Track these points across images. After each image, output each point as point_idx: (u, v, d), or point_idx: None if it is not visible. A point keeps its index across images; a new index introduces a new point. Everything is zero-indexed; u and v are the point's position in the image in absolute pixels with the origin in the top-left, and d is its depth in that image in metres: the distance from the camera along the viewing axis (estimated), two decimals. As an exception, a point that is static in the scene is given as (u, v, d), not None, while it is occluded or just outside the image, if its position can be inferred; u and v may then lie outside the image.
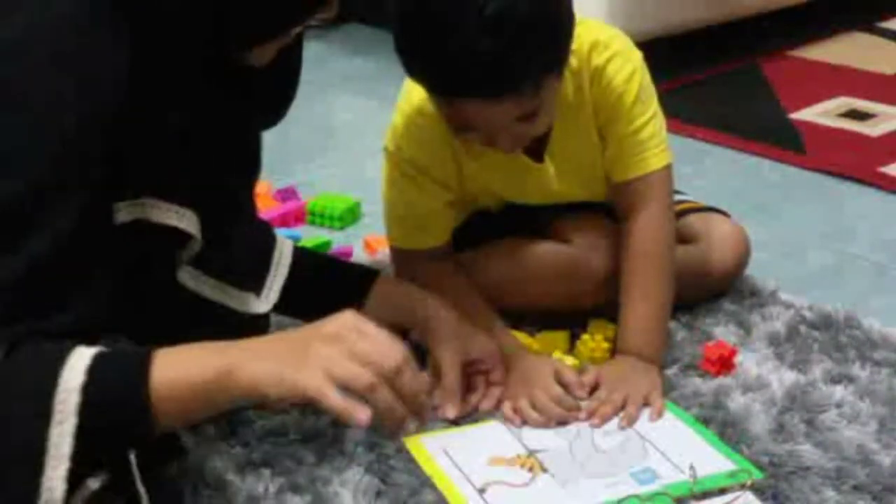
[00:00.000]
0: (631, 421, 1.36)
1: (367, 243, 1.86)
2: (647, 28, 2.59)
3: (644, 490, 1.25)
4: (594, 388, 1.41)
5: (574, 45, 1.40)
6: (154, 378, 0.99)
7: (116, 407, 0.99)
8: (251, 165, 1.28)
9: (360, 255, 1.83)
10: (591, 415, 1.37)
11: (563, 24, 1.35)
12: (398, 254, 1.57)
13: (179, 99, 1.09)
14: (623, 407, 1.38)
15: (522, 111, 1.35)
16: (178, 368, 1.01)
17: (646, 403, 1.39)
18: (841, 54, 2.86)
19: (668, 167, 1.50)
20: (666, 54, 2.70)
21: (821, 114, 2.48)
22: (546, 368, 1.42)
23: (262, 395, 1.03)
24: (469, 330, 1.44)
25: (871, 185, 2.12)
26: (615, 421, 1.37)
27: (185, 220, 1.14)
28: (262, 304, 1.33)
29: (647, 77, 1.50)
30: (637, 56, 1.49)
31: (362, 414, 1.03)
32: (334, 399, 1.02)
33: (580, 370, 1.44)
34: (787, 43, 2.92)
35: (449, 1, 1.28)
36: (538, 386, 1.39)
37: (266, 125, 1.24)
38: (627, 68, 1.47)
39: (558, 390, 1.39)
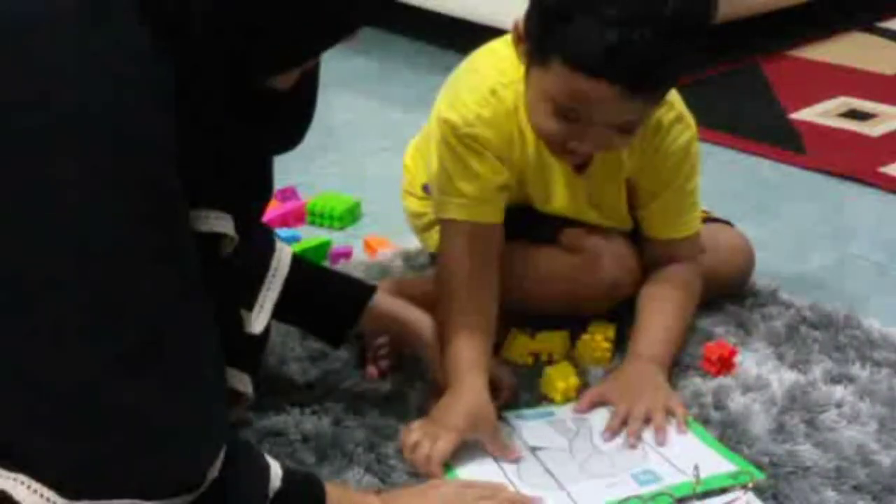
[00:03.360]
0: (663, 435, 1.34)
1: (367, 243, 1.86)
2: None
3: (645, 491, 1.25)
4: (595, 404, 1.41)
5: None
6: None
7: None
8: (265, 189, 1.26)
9: (360, 255, 1.83)
10: (613, 433, 1.35)
11: (704, 37, 1.36)
12: (453, 227, 1.47)
13: (208, 121, 1.06)
14: (648, 419, 1.36)
15: (636, 117, 1.36)
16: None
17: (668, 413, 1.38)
18: (841, 54, 2.86)
19: (699, 230, 1.56)
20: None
21: (821, 114, 2.48)
22: (452, 412, 1.34)
23: None
24: None
25: (871, 185, 2.12)
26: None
27: (227, 223, 1.13)
28: (255, 323, 1.29)
29: (698, 144, 1.54)
30: (693, 121, 1.52)
31: None
32: None
33: (584, 388, 1.44)
34: (787, 43, 2.91)
35: None
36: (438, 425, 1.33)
37: (285, 148, 1.23)
38: (687, 134, 1.50)
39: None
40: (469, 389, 1.35)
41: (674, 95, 1.49)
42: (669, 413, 1.37)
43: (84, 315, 0.94)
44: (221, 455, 1.01)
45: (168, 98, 0.98)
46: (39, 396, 0.94)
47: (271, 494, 1.07)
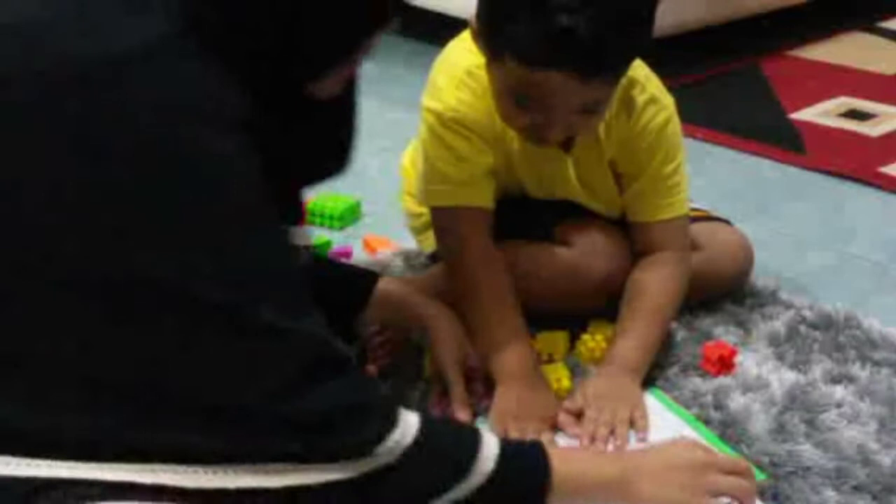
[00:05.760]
0: (624, 442, 1.34)
1: (367, 243, 1.86)
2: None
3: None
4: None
5: None
6: (555, 472, 1.12)
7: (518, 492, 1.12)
8: (297, 214, 1.27)
9: (359, 255, 1.83)
10: (590, 440, 1.34)
11: (652, 16, 1.36)
12: (444, 216, 1.51)
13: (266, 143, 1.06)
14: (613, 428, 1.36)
15: (595, 99, 1.36)
16: (576, 467, 1.15)
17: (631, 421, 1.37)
18: (841, 54, 2.86)
19: (687, 214, 1.54)
20: (666, 54, 2.71)
21: (821, 114, 2.48)
22: (542, 401, 1.40)
23: None
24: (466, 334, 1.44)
25: (871, 185, 2.12)
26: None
27: (304, 237, 1.15)
28: None
29: (679, 125, 1.53)
30: (670, 102, 1.52)
31: None
32: None
33: (571, 391, 1.43)
34: (787, 43, 2.92)
35: None
36: (530, 419, 1.36)
37: (331, 173, 1.23)
38: (662, 115, 1.50)
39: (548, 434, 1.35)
40: (539, 379, 1.41)
41: (648, 78, 1.49)
42: (631, 423, 1.36)
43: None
44: (397, 424, 1.04)
45: (246, 124, 0.98)
46: (200, 405, 0.96)
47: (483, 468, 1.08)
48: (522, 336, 1.45)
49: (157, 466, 0.95)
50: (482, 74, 1.45)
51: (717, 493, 1.18)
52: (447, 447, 1.08)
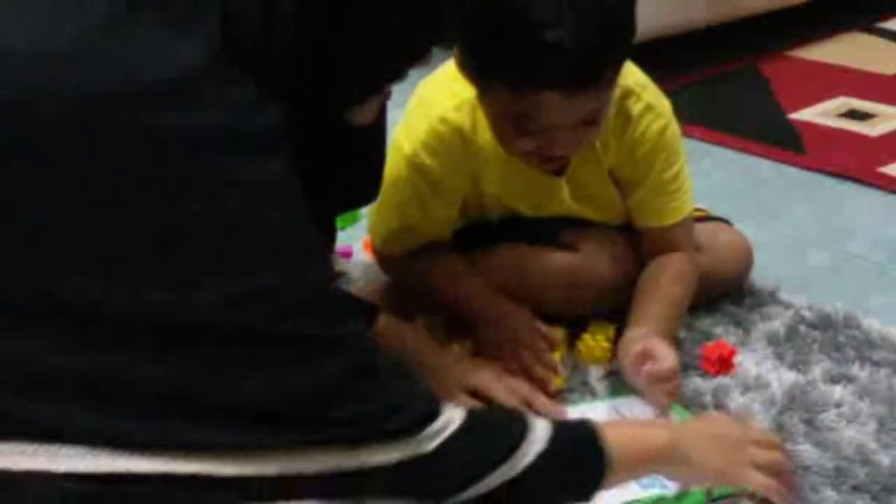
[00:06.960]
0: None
1: (367, 243, 1.86)
2: (647, 28, 2.58)
3: (644, 495, 1.25)
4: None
5: None
6: (607, 442, 1.11)
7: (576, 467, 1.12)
8: (331, 241, 1.27)
9: (360, 256, 1.83)
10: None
11: (633, 17, 1.35)
12: (393, 255, 1.57)
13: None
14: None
15: (592, 108, 1.34)
16: (627, 437, 1.16)
17: None
18: (841, 54, 2.86)
19: (691, 214, 1.55)
20: (666, 54, 2.71)
21: (821, 114, 2.48)
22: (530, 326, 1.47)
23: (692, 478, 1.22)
24: (456, 358, 1.47)
25: (871, 185, 2.12)
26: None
27: (338, 263, 1.14)
28: None
29: (677, 128, 1.53)
30: (667, 107, 1.51)
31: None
32: (764, 482, 1.20)
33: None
34: (787, 43, 2.92)
35: None
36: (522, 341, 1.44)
37: (363, 199, 1.23)
38: (660, 122, 1.49)
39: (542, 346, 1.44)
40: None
41: (644, 86, 1.49)
42: None
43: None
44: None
45: (283, 149, 0.97)
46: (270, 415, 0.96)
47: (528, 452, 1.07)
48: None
49: (194, 454, 0.94)
50: (458, 118, 1.44)
51: (756, 466, 1.19)
52: (493, 428, 1.08)
